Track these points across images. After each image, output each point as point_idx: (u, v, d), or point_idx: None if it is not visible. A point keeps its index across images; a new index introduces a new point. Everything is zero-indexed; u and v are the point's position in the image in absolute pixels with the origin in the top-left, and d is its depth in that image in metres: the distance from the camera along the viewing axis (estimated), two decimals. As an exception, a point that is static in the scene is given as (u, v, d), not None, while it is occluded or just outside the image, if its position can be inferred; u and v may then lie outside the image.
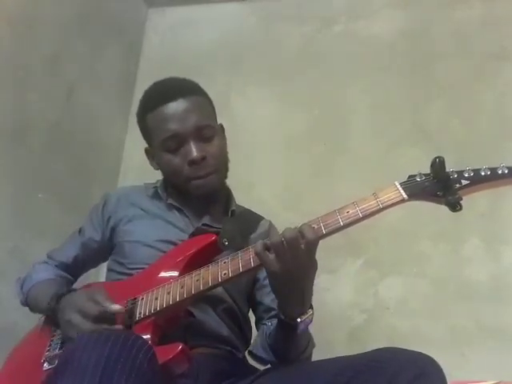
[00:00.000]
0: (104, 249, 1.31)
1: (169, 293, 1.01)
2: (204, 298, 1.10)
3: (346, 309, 1.84)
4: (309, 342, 1.14)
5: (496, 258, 1.77)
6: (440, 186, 0.91)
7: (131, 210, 1.30)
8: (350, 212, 0.92)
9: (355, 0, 2.30)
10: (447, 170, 0.91)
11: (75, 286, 1.31)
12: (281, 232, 0.92)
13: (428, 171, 0.94)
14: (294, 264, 0.91)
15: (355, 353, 0.96)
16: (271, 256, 0.92)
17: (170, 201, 1.29)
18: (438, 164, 0.91)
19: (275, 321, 1.11)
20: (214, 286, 1.00)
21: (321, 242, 0.93)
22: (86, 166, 2.09)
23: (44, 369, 1.05)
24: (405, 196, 0.92)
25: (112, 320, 1.00)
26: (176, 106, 1.20)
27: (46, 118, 1.91)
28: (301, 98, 2.19)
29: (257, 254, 0.93)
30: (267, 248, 0.93)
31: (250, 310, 1.32)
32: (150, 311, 1.01)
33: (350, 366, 0.91)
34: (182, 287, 1.01)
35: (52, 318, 1.10)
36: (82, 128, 2.09)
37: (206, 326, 1.14)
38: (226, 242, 1.11)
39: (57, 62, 1.97)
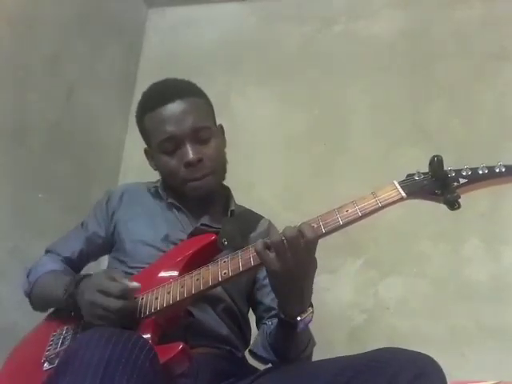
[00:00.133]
0: (108, 244, 1.32)
1: (169, 292, 1.01)
2: (203, 297, 1.10)
3: (346, 309, 1.84)
4: (309, 341, 1.14)
5: (496, 258, 1.77)
6: (438, 185, 0.92)
7: (133, 208, 1.31)
8: (350, 211, 0.93)
9: (355, 0, 2.31)
10: (445, 168, 0.91)
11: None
12: (280, 231, 0.93)
13: (426, 170, 0.94)
14: (294, 263, 0.92)
15: (355, 353, 0.96)
16: (271, 255, 0.92)
17: (170, 200, 1.29)
18: (436, 163, 0.91)
19: (275, 320, 1.11)
20: (214, 286, 1.00)
21: (321, 241, 0.94)
22: (86, 166, 2.09)
23: (44, 369, 1.06)
24: (403, 194, 0.92)
25: (132, 297, 1.00)
26: (173, 108, 1.20)
27: (45, 118, 1.91)
28: (301, 97, 2.19)
29: (257, 252, 0.93)
30: (267, 247, 0.93)
31: (250, 310, 1.33)
32: (150, 311, 1.01)
33: (350, 366, 0.91)
34: (182, 287, 1.01)
35: (69, 305, 1.09)
36: (82, 128, 2.09)
37: (205, 325, 1.14)
38: (225, 241, 1.12)
39: (57, 61, 1.97)
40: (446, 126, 1.98)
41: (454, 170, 0.92)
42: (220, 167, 1.27)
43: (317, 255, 0.95)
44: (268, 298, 1.25)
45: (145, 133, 1.28)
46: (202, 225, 1.23)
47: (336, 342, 1.77)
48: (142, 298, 1.04)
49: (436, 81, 2.06)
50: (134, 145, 2.11)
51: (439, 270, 1.80)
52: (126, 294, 0.99)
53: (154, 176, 1.36)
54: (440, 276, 1.79)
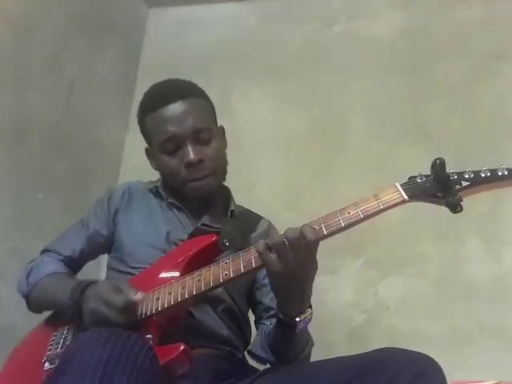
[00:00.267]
0: (108, 242, 1.31)
1: (170, 293, 1.01)
2: (204, 297, 1.10)
3: (346, 309, 1.85)
4: (308, 342, 1.14)
5: (496, 258, 1.78)
6: (440, 187, 0.92)
7: (135, 207, 1.30)
8: (351, 213, 0.92)
9: (355, 0, 2.31)
10: (447, 171, 0.91)
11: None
12: (281, 232, 0.93)
13: (428, 172, 0.94)
14: (295, 264, 0.92)
15: (355, 353, 0.96)
16: (273, 256, 0.92)
17: (170, 200, 1.29)
18: (438, 165, 0.91)
19: (274, 320, 1.11)
20: (216, 287, 1.00)
21: (321, 242, 0.94)
22: (86, 166, 2.09)
23: (45, 368, 1.06)
24: (405, 197, 0.92)
25: (136, 311, 0.99)
26: (174, 108, 1.20)
27: (45, 118, 1.91)
28: (301, 97, 2.19)
29: (258, 253, 0.93)
30: (269, 248, 0.93)
31: (250, 310, 1.32)
32: (151, 311, 1.01)
33: (350, 366, 0.91)
34: (183, 288, 1.01)
35: (75, 311, 1.07)
36: (82, 128, 2.09)
37: (205, 326, 1.14)
38: (226, 242, 1.12)
39: (57, 61, 1.97)
40: (446, 126, 1.99)
41: (457, 173, 0.92)
42: (220, 168, 1.27)
43: (317, 256, 0.95)
44: (267, 297, 1.25)
45: (146, 133, 1.28)
46: (202, 225, 1.23)
47: (336, 342, 1.77)
48: (144, 299, 1.04)
49: (436, 81, 2.06)
50: (134, 145, 2.11)
51: (439, 270, 1.80)
52: (129, 308, 0.98)
53: (154, 176, 1.36)
54: (440, 276, 1.80)
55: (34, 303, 1.25)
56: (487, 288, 1.74)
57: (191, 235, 1.19)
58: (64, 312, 1.10)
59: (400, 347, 0.93)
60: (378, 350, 0.94)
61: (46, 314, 1.26)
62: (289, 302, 1.00)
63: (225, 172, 1.30)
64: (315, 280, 0.99)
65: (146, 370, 0.80)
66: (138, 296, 0.99)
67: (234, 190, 1.38)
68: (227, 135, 1.35)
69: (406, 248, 1.86)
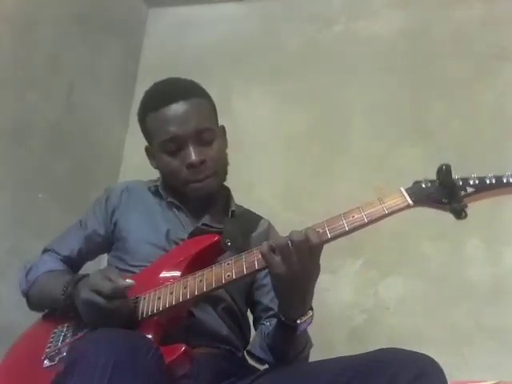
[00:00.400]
0: (107, 242, 1.31)
1: (171, 293, 1.01)
2: (204, 297, 1.10)
3: (346, 309, 1.84)
4: (307, 343, 1.14)
5: (496, 258, 1.77)
6: (445, 193, 0.92)
7: (133, 206, 1.30)
8: (356, 217, 0.92)
9: (355, 0, 2.31)
10: (453, 177, 0.91)
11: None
12: (281, 232, 0.93)
13: (429, 172, 0.94)
14: (298, 267, 0.91)
15: (355, 353, 0.96)
16: (277, 258, 0.92)
17: (170, 199, 1.29)
18: (444, 171, 0.91)
19: (273, 321, 1.11)
20: (218, 288, 1.00)
21: (322, 244, 0.93)
22: (85, 166, 2.09)
23: (44, 366, 1.05)
24: (410, 202, 0.92)
25: (125, 295, 1.00)
26: (177, 108, 1.19)
27: (45, 117, 1.91)
28: (301, 98, 2.19)
29: (262, 254, 0.93)
30: (272, 250, 0.93)
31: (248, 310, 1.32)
32: (152, 311, 1.01)
33: (350, 366, 0.92)
34: (184, 288, 1.00)
35: (68, 305, 1.09)
36: (82, 128, 2.09)
37: (206, 325, 1.14)
38: (228, 242, 1.11)
39: (57, 61, 1.97)
40: (446, 126, 1.98)
41: (462, 179, 0.92)
42: (222, 169, 1.27)
43: (317, 257, 0.95)
44: (267, 298, 1.25)
45: (147, 132, 1.27)
46: (202, 224, 1.23)
47: (336, 342, 1.77)
48: (144, 298, 1.04)
49: (436, 81, 2.06)
50: (134, 145, 2.11)
51: (439, 270, 1.80)
52: (118, 294, 0.98)
53: (155, 177, 1.36)
54: (440, 276, 1.79)
55: (33, 301, 1.26)
56: (487, 288, 1.74)
57: (191, 235, 1.19)
58: (60, 307, 1.11)
59: (400, 347, 0.93)
60: (378, 350, 0.95)
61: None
62: (291, 304, 1.00)
63: (225, 173, 1.30)
64: (314, 280, 0.99)
65: (153, 370, 0.81)
66: (128, 281, 1.00)
67: (234, 189, 1.38)
68: (227, 135, 1.35)
69: (406, 248, 1.86)
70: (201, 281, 1.00)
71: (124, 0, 2.42)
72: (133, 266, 1.20)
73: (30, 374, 1.06)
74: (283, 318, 1.01)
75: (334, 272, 1.88)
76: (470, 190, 0.91)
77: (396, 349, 0.93)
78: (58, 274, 1.24)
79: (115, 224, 1.29)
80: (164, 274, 1.09)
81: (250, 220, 1.32)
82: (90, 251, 1.34)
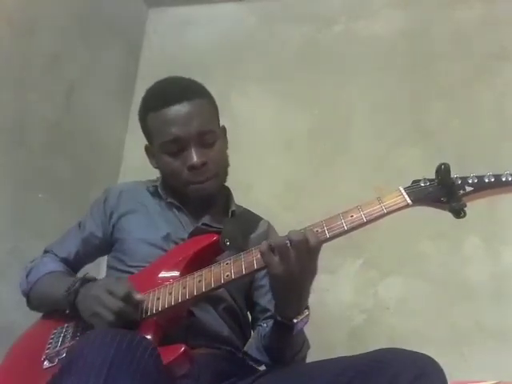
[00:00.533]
0: (105, 244, 1.30)
1: (170, 293, 1.01)
2: (204, 297, 1.10)
3: (346, 309, 1.84)
4: (303, 343, 1.14)
5: (496, 257, 1.77)
6: (444, 192, 0.92)
7: (132, 207, 1.30)
8: (354, 216, 0.92)
9: (355, 0, 2.30)
10: (452, 176, 0.91)
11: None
12: (280, 233, 0.93)
13: (428, 172, 0.94)
14: (296, 267, 0.91)
15: (355, 353, 0.96)
16: (275, 258, 0.92)
17: (169, 199, 1.28)
18: (443, 170, 0.91)
19: (271, 322, 1.11)
20: (217, 288, 0.99)
21: (321, 243, 0.93)
22: (86, 166, 2.09)
23: (44, 367, 1.05)
24: (409, 201, 0.92)
25: (133, 303, 1.00)
26: (179, 109, 1.18)
27: (45, 117, 1.90)
28: (301, 97, 2.19)
29: (261, 254, 0.93)
30: (271, 249, 0.93)
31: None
32: (151, 311, 1.01)
33: (351, 366, 0.91)
34: (183, 288, 1.00)
35: (69, 302, 1.08)
36: (82, 128, 2.09)
37: (206, 325, 1.14)
38: (227, 242, 1.11)
39: (57, 61, 1.97)
40: (446, 126, 1.98)
41: (461, 178, 0.92)
42: (223, 170, 1.27)
43: (316, 255, 0.95)
44: (264, 298, 1.25)
45: (147, 131, 1.26)
46: (202, 224, 1.23)
47: (336, 342, 1.77)
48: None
49: (436, 81, 2.06)
50: (134, 145, 2.11)
51: (439, 270, 1.80)
52: (129, 299, 0.99)
53: (154, 176, 1.36)
54: (440, 276, 1.79)
55: (34, 302, 1.26)
56: (487, 288, 1.74)
57: (191, 234, 1.19)
58: (60, 304, 1.11)
59: (400, 347, 0.93)
60: (378, 350, 0.94)
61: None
62: (287, 303, 1.00)
63: (226, 174, 1.30)
64: (315, 279, 0.99)
65: (150, 370, 0.80)
66: (140, 296, 1.01)
67: (234, 189, 1.38)
68: (227, 135, 1.35)
69: (406, 248, 1.86)
70: (200, 281, 1.00)
71: (124, 0, 2.42)
72: (132, 266, 1.20)
73: (30, 374, 1.06)
74: (279, 318, 1.01)
75: (334, 272, 1.88)
76: (468, 189, 0.91)
77: (396, 349, 0.93)
78: (60, 275, 1.24)
79: (114, 225, 1.29)
80: (163, 274, 1.09)
81: (250, 220, 1.32)
82: (88, 254, 1.33)
